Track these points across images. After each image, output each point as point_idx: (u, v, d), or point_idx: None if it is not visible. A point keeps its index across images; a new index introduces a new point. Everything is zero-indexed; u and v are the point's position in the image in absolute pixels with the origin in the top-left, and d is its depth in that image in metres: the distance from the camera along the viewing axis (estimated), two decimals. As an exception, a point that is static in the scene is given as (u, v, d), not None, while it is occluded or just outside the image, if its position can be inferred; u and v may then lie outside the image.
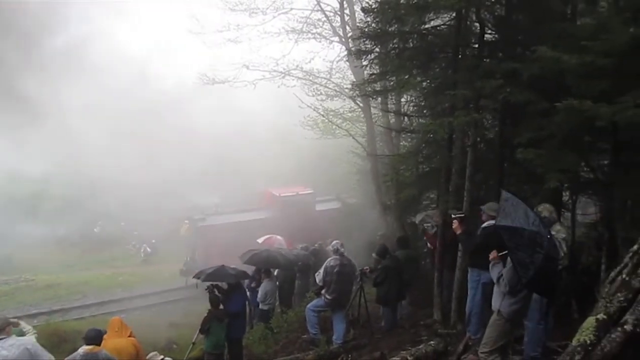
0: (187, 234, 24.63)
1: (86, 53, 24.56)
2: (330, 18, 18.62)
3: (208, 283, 10.40)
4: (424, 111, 11.70)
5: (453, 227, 8.34)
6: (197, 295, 14.95)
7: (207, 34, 19.79)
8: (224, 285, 10.54)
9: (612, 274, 6.16)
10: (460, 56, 9.44)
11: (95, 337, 6.65)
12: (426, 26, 9.82)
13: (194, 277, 11.03)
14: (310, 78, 20.18)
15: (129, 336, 7.62)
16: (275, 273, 13.20)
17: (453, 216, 8.47)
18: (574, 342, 5.31)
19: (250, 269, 12.55)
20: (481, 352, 6.22)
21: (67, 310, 19.89)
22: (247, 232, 18.48)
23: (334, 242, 10.45)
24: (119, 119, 25.62)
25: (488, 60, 9.36)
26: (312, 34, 19.13)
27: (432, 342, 8.45)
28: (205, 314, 9.90)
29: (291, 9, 18.93)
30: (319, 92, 20.19)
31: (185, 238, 24.82)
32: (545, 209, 7.36)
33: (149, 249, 28.91)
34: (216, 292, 10.11)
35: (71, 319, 18.64)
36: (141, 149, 25.52)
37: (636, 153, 7.16)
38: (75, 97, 23.77)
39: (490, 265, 6.19)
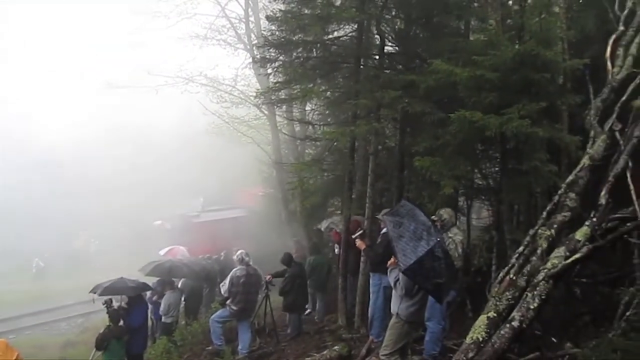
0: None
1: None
2: (235, 25, 18.51)
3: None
4: (328, 119, 11.91)
5: (357, 244, 8.55)
6: (95, 310, 14.18)
7: (108, 37, 18.98)
8: (124, 298, 10.08)
9: (501, 274, 6.58)
10: (361, 67, 9.70)
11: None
12: (329, 36, 9.99)
13: (90, 291, 10.37)
14: (215, 85, 19.89)
15: (15, 360, 7.04)
16: (180, 284, 12.81)
17: (353, 237, 8.72)
18: (468, 340, 5.59)
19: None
20: (382, 355, 6.37)
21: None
22: (234, 228, 20.37)
23: (239, 251, 10.32)
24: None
25: (388, 71, 9.69)
26: (217, 40, 18.90)
27: (336, 347, 8.56)
28: (103, 330, 9.39)
29: (195, 14, 18.60)
30: (223, 100, 19.92)
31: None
32: (445, 212, 7.74)
33: (41, 263, 26.99)
34: (114, 306, 9.61)
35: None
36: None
37: (522, 161, 7.69)
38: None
39: (388, 270, 6.38)
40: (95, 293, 10.18)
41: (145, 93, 19.65)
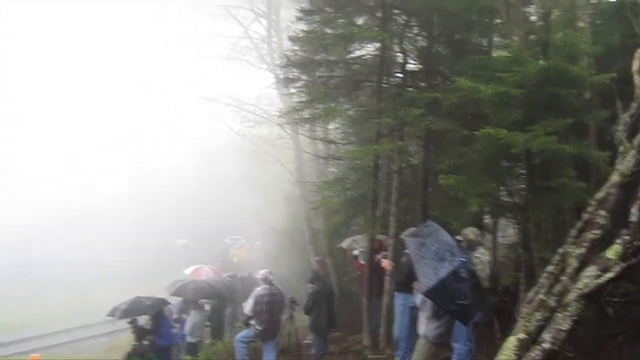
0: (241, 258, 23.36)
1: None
2: (258, 46, 18.70)
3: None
4: (351, 138, 11.89)
5: (382, 266, 8.48)
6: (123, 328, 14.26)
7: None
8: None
9: (530, 294, 6.43)
10: (384, 85, 9.70)
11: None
12: (351, 55, 10.05)
13: (108, 315, 10.33)
14: (238, 105, 20.05)
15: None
16: (204, 304, 12.83)
17: (376, 259, 8.66)
18: (497, 362, 5.46)
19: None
20: (409, 376, 6.27)
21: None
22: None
23: (263, 270, 10.29)
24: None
25: (411, 89, 9.67)
26: (240, 60, 19.10)
27: (361, 367, 8.45)
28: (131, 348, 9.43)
29: (219, 35, 18.87)
30: (246, 119, 20.08)
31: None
32: (471, 232, 7.62)
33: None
34: (139, 324, 9.64)
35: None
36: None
37: (549, 177, 7.57)
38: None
39: (415, 290, 6.29)
40: (113, 317, 10.17)
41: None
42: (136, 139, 29.19)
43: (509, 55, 8.06)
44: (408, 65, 9.86)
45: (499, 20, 9.55)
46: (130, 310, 9.96)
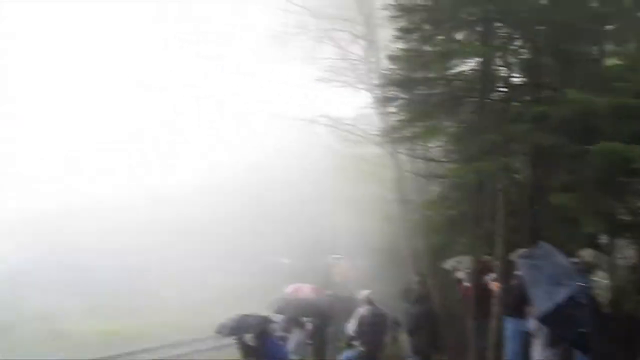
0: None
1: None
2: (355, 66, 18.89)
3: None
4: (453, 156, 11.62)
5: (490, 287, 8.19)
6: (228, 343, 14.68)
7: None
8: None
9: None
10: (487, 100, 9.43)
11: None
12: (452, 72, 9.87)
13: (216, 331, 10.69)
14: (337, 125, 20.31)
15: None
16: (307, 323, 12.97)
17: (484, 281, 8.36)
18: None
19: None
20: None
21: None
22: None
23: (364, 291, 10.26)
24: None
25: (515, 103, 9.31)
26: (339, 82, 19.38)
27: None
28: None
29: (318, 58, 19.28)
30: (345, 139, 20.27)
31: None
32: (588, 254, 7.18)
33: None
34: (246, 341, 9.87)
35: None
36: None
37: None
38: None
39: (528, 315, 5.98)
40: (221, 333, 10.48)
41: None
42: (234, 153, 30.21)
43: (624, 63, 7.55)
44: (512, 79, 9.50)
45: (612, 27, 8.97)
46: (237, 328, 10.24)
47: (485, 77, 9.32)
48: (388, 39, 14.89)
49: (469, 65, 9.94)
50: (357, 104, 19.72)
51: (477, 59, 9.52)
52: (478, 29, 9.43)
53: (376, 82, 17.12)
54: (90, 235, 26.35)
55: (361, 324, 9.71)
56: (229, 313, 11.17)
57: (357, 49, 18.70)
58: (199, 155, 29.15)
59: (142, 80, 27.03)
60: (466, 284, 10.46)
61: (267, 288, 22.15)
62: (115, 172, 29.29)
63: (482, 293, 9.41)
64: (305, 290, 16.32)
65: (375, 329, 9.73)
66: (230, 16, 20.42)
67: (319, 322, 13.33)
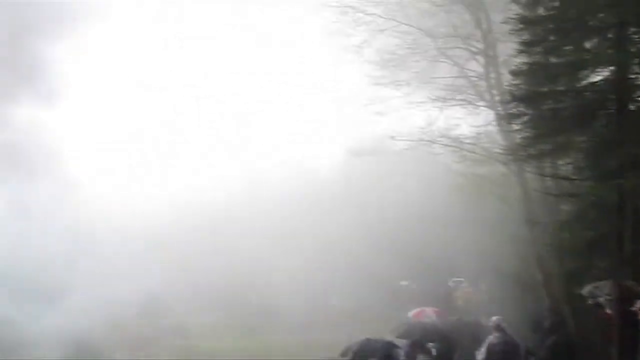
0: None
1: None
2: (475, 83, 18.43)
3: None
4: (587, 173, 10.88)
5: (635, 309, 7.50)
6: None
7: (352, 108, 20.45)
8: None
9: None
10: (624, 111, 8.75)
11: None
12: (582, 83, 9.32)
13: (340, 355, 10.71)
14: (457, 145, 19.85)
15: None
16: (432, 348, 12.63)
17: (635, 308, 7.65)
18: None
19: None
20: None
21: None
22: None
23: (494, 317, 9.80)
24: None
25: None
26: (457, 100, 19.00)
27: None
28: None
29: (435, 77, 19.06)
30: (466, 159, 19.74)
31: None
32: None
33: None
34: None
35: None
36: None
37: None
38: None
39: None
40: (346, 356, 10.51)
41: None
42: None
43: None
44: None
45: None
46: (362, 352, 10.26)
47: (621, 86, 8.68)
48: (509, 53, 14.44)
49: (601, 75, 9.35)
50: (477, 122, 19.12)
51: (611, 68, 8.93)
52: (610, 35, 8.85)
53: (498, 98, 16.64)
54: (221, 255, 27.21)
55: (491, 352, 9.23)
56: (351, 335, 11.22)
57: (476, 66, 18.26)
58: (322, 176, 29.64)
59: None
60: (607, 311, 9.66)
61: (387, 311, 21.98)
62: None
63: (626, 321, 8.62)
64: (428, 314, 16.00)
65: (506, 357, 9.21)
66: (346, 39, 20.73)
67: (445, 347, 12.93)
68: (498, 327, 9.51)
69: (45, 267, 18.52)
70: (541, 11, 9.44)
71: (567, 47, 9.04)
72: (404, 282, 26.84)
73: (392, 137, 19.16)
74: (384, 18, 18.91)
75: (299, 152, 29.09)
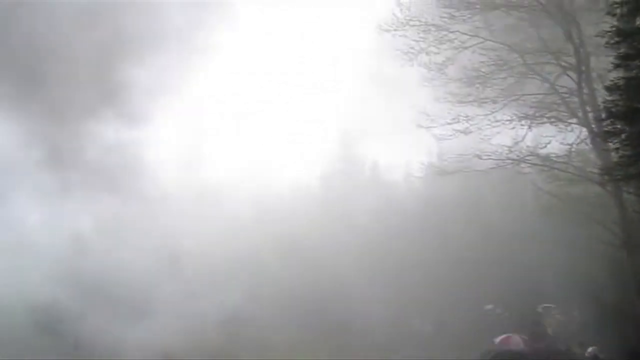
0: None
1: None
2: (566, 99, 17.68)
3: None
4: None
5: None
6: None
7: (436, 127, 20.10)
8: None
9: None
10: None
11: None
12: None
13: None
14: (547, 163, 19.05)
15: None
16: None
17: None
18: None
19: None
20: None
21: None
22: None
23: (591, 348, 9.30)
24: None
25: None
26: (547, 117, 18.28)
27: None
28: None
29: (523, 94, 18.47)
30: (557, 178, 18.88)
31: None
32: None
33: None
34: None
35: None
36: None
37: None
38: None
39: None
40: None
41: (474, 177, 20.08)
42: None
43: None
44: None
45: None
46: None
47: None
48: (603, 67, 13.75)
49: None
50: (569, 140, 18.29)
51: None
52: None
53: (592, 115, 15.96)
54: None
55: (588, 383, 8.72)
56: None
57: (567, 82, 17.52)
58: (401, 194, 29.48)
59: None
60: None
61: (470, 334, 21.31)
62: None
63: None
64: (516, 341, 15.37)
65: (602, 389, 8.66)
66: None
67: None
68: (595, 358, 8.98)
69: (134, 283, 19.56)
70: (639, 23, 9.00)
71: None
72: (488, 306, 25.93)
73: (478, 156, 18.68)
74: (468, 35, 18.61)
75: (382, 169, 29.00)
